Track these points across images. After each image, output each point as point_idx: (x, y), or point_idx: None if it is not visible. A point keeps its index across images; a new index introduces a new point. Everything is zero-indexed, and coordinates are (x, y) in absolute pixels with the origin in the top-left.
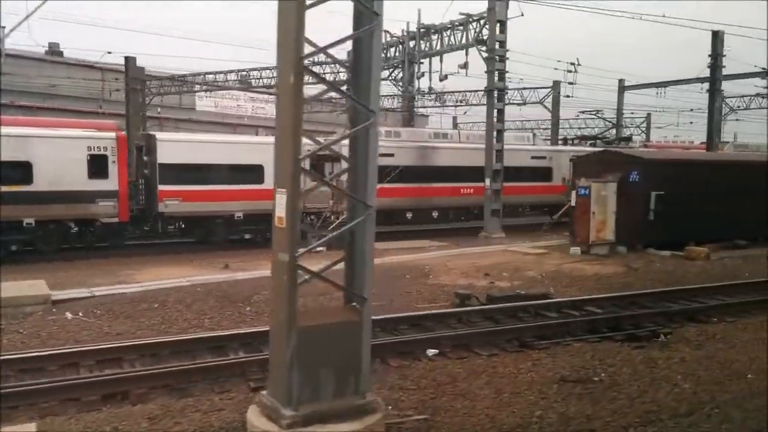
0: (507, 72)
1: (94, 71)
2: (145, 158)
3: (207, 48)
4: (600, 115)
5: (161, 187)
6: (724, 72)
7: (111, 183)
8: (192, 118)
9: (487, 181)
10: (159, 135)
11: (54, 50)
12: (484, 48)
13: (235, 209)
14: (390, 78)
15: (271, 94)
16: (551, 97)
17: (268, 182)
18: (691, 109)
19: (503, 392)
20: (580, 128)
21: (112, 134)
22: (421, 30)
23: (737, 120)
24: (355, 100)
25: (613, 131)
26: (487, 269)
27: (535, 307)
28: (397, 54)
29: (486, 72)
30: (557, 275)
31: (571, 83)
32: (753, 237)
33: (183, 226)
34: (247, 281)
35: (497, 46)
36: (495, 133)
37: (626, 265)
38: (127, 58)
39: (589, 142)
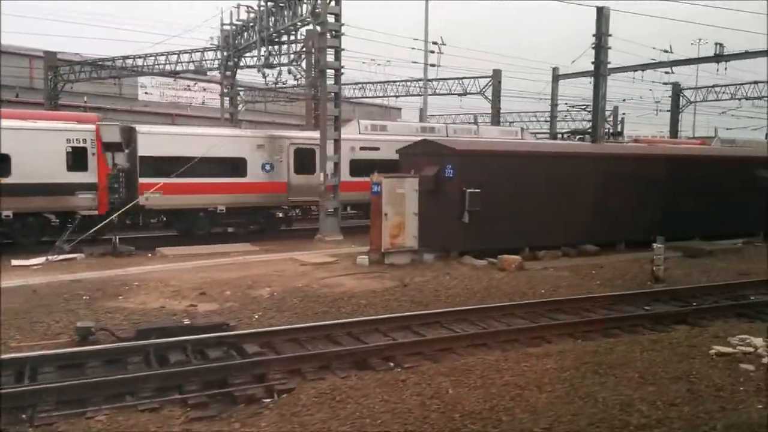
0: (344, 50)
1: (21, 58)
2: (125, 151)
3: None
4: (589, 110)
5: (142, 180)
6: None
7: (90, 175)
8: (117, 107)
9: (321, 176)
10: (139, 128)
11: None
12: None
13: (218, 202)
14: (297, 64)
15: (196, 79)
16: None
17: (251, 175)
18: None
19: None
20: (548, 121)
21: (92, 126)
22: (269, 3)
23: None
24: None
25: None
26: (218, 285)
27: (165, 347)
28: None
29: (317, 49)
30: (295, 293)
31: (433, 65)
32: (609, 242)
33: (165, 219)
34: None
35: (332, 19)
36: (332, 121)
37: (400, 280)
38: None
39: (578, 137)
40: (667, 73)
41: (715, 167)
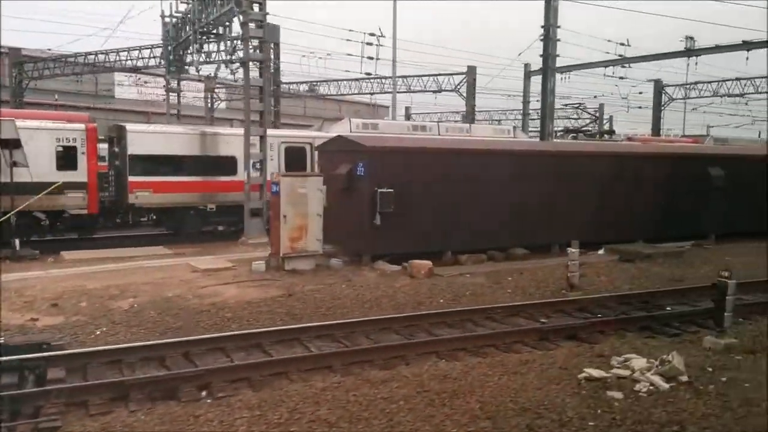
0: (266, 41)
1: None
2: (115, 149)
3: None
4: (583, 108)
5: (131, 179)
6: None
7: (80, 174)
8: (90, 104)
9: (245, 175)
10: (129, 126)
11: None
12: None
13: (208, 201)
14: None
15: (148, 73)
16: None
17: (242, 174)
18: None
19: None
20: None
21: (82, 126)
22: None
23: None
24: None
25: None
26: (79, 295)
27: None
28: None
29: (241, 40)
30: (159, 305)
31: (370, 58)
32: (543, 244)
33: (154, 217)
34: None
35: (256, 8)
36: (258, 116)
37: (288, 289)
38: None
39: (571, 135)
40: (623, 67)
41: (663, 165)
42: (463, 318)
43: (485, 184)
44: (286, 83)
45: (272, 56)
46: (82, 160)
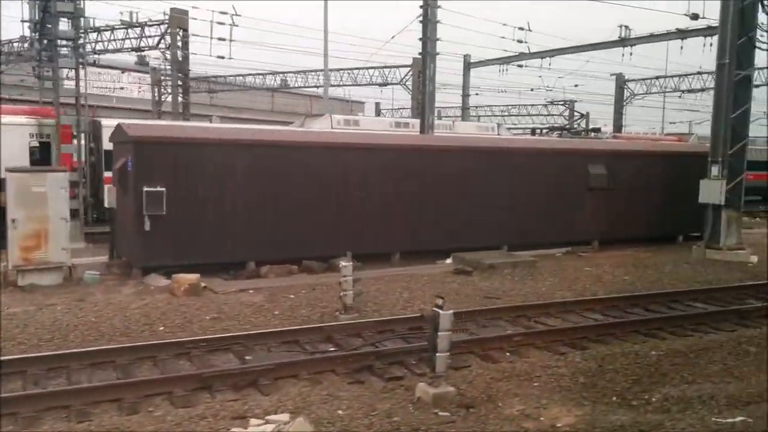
0: (83, 17)
1: None
2: (91, 145)
3: None
4: (568, 106)
5: (107, 174)
6: None
7: None
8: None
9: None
10: (104, 121)
11: None
12: None
13: None
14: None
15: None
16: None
17: None
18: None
19: None
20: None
21: (55, 121)
22: None
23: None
24: None
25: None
26: None
27: None
28: None
29: (49, 15)
30: None
31: (222, 39)
32: (381, 253)
33: None
34: None
35: None
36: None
37: None
38: None
39: (555, 134)
40: (534, 59)
41: (532, 162)
42: (144, 356)
43: (298, 184)
44: (234, 75)
45: (179, 43)
46: (56, 156)
